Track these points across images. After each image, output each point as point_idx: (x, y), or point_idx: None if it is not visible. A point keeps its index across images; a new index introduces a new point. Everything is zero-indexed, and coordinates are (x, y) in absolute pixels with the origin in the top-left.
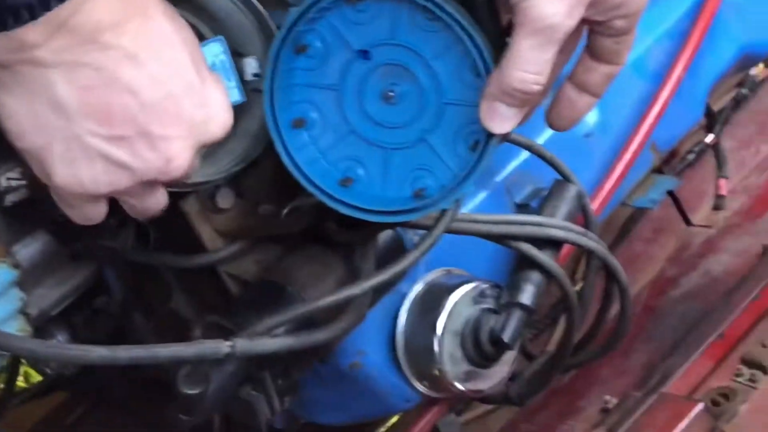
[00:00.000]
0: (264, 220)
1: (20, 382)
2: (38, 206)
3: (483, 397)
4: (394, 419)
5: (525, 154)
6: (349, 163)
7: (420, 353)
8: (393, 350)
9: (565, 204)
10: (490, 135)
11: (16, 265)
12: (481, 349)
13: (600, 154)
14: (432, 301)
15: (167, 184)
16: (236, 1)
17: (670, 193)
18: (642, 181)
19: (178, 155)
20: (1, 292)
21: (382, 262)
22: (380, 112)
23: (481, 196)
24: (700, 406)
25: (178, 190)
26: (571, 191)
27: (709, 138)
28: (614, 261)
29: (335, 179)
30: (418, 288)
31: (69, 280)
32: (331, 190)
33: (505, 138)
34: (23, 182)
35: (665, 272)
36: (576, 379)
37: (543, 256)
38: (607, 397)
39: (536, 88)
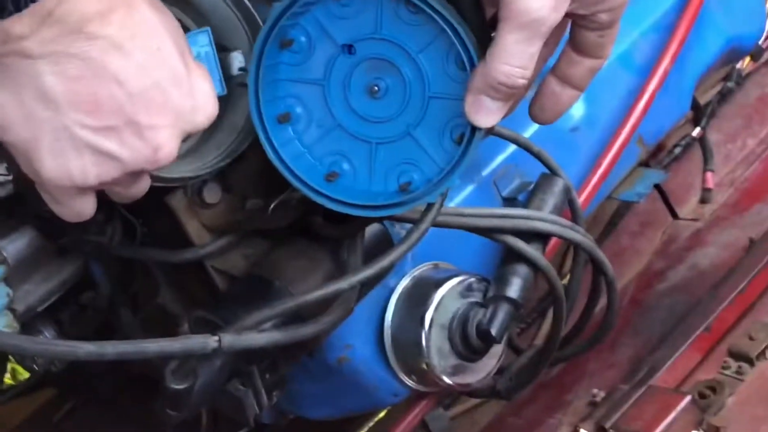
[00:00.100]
0: (251, 215)
1: (7, 379)
2: (24, 202)
3: (471, 391)
4: (382, 413)
5: (512, 148)
6: (334, 157)
7: (408, 347)
8: (381, 344)
9: (552, 197)
10: (475, 128)
11: (2, 261)
12: (469, 342)
13: (586, 148)
14: (419, 295)
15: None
16: None
17: (657, 187)
18: (629, 174)
19: (165, 144)
20: None
21: (370, 257)
22: (365, 107)
23: (468, 189)
24: (687, 399)
25: (165, 185)
26: (558, 185)
27: (696, 131)
28: (601, 254)
29: (321, 174)
30: (405, 282)
31: (56, 276)
32: (317, 185)
33: (490, 131)
34: (9, 177)
35: (652, 265)
36: (564, 373)
37: (530, 250)
38: (595, 391)
39: (521, 81)
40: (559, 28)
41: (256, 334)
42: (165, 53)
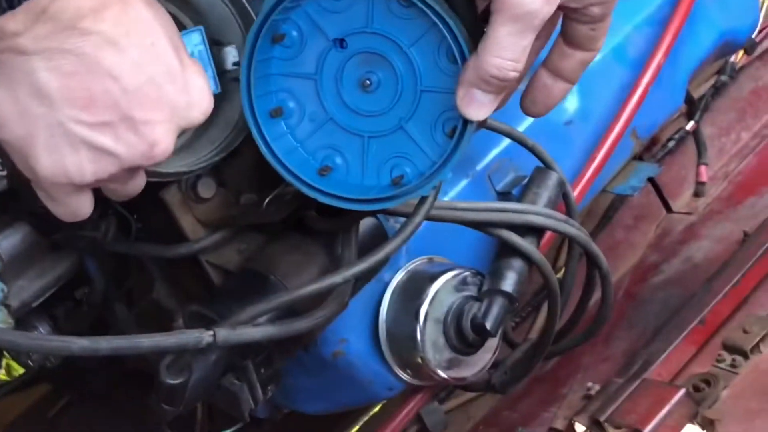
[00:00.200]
0: (245, 210)
1: (2, 375)
2: (18, 198)
3: (466, 385)
4: (377, 408)
5: (506, 142)
6: (327, 151)
7: (402, 341)
8: (375, 338)
9: (546, 191)
10: (466, 121)
11: None
12: (464, 336)
13: (580, 142)
14: (414, 289)
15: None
16: None
17: (651, 180)
18: (623, 168)
19: (161, 139)
20: None
21: (364, 251)
22: (357, 101)
23: (463, 183)
24: (681, 392)
25: (160, 180)
26: (553, 178)
27: (690, 125)
28: (595, 248)
29: (314, 168)
30: (400, 276)
31: (50, 272)
32: (310, 179)
33: (482, 124)
34: (3, 173)
35: (646, 259)
36: (558, 367)
37: (524, 244)
38: (590, 384)
39: (513, 74)
40: (551, 20)
41: (251, 329)
42: (159, 49)
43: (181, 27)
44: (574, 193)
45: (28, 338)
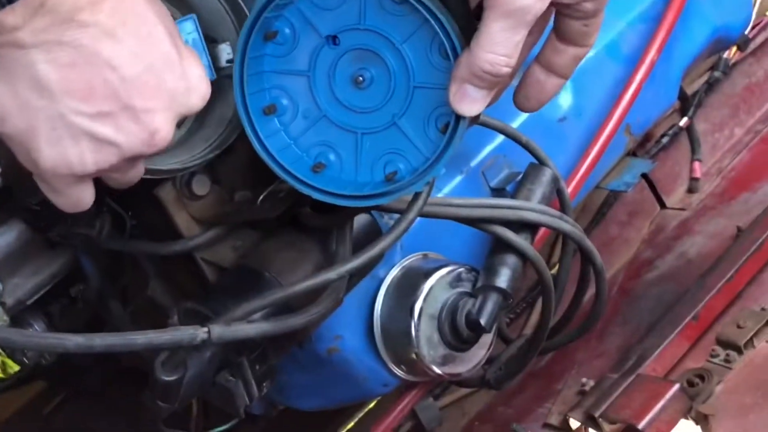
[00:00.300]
0: (240, 207)
1: None
2: (13, 195)
3: (460, 381)
4: (372, 404)
5: (500, 139)
6: (320, 148)
7: (397, 337)
8: (370, 335)
9: (540, 187)
10: (459, 117)
11: None
12: (458, 332)
13: (574, 138)
14: (409, 285)
15: (149, 157)
16: None
17: (645, 176)
18: (617, 164)
19: (161, 127)
20: None
21: (359, 247)
22: (351, 97)
23: (457, 180)
24: (675, 387)
25: (154, 177)
26: (546, 175)
27: (683, 121)
28: (589, 244)
29: (307, 165)
30: (394, 272)
31: (45, 269)
32: (304, 176)
33: (475, 120)
34: None
35: (640, 255)
36: (553, 362)
37: (519, 240)
38: (584, 380)
39: (506, 70)
40: (543, 16)
41: (246, 325)
42: (156, 38)
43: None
44: (568, 190)
45: (23, 335)
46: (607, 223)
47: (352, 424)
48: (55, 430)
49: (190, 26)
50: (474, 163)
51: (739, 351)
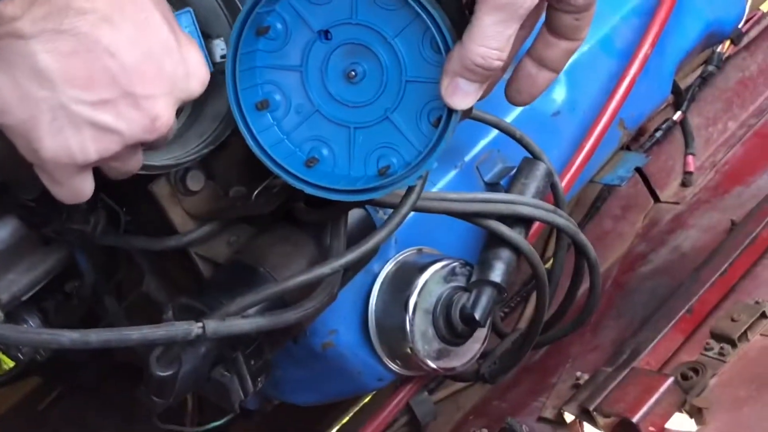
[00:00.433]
0: (234, 202)
1: None
2: (7, 191)
3: (455, 375)
4: (367, 398)
5: (494, 133)
6: (313, 143)
7: (392, 332)
8: (365, 329)
9: (534, 182)
10: (451, 111)
11: None
12: (453, 326)
13: (568, 133)
14: (403, 280)
15: (150, 145)
16: None
17: (639, 170)
18: (610, 158)
19: (162, 113)
20: None
21: (353, 242)
22: (343, 92)
23: (451, 174)
24: (670, 381)
25: (149, 173)
26: (541, 169)
27: (677, 115)
28: (583, 238)
29: (300, 160)
30: (389, 267)
31: (40, 265)
32: (297, 171)
33: (467, 114)
34: None
35: (634, 249)
36: (547, 356)
37: (513, 234)
38: (579, 373)
39: (498, 63)
40: (535, 10)
41: (240, 320)
42: (153, 24)
43: None
44: (562, 184)
45: (18, 332)
46: (601, 217)
47: (347, 418)
48: (50, 426)
49: (186, 19)
50: (468, 157)
51: (733, 344)
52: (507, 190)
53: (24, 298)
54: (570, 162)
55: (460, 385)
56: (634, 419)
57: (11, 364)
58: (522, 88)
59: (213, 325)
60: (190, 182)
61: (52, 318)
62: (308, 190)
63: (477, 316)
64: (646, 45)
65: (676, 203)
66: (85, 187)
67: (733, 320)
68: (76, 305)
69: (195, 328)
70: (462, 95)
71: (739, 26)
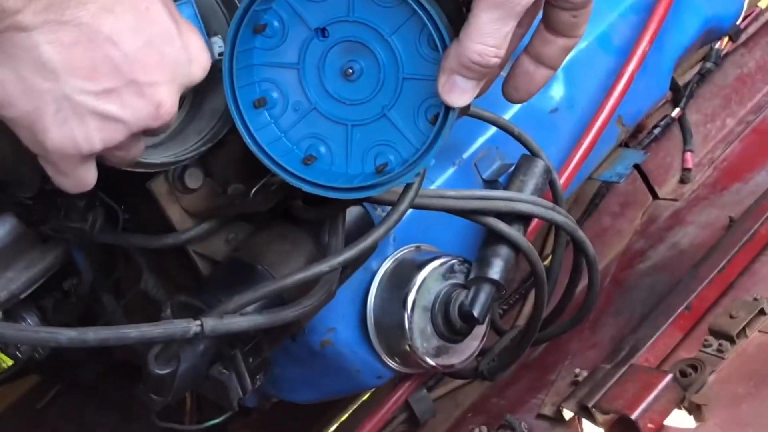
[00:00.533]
0: (232, 199)
1: None
2: (5, 189)
3: (454, 372)
4: (366, 396)
5: (492, 130)
6: (311, 141)
7: (390, 329)
8: (363, 327)
9: (532, 179)
10: (449, 108)
11: None
12: (452, 324)
13: (566, 130)
14: (402, 277)
15: (154, 132)
16: None
17: (637, 167)
18: (609, 155)
19: (166, 99)
20: None
21: (351, 240)
22: (340, 89)
23: (449, 172)
24: (668, 377)
25: (147, 171)
26: (539, 166)
27: (675, 112)
28: (582, 235)
29: (298, 158)
30: (387, 264)
31: (38, 263)
32: (294, 169)
33: (465, 111)
34: None
35: (633, 245)
36: (546, 353)
37: (511, 231)
38: (577, 370)
39: (495, 60)
40: (533, 8)
41: (239, 318)
42: (154, 12)
43: None
44: (561, 181)
45: (16, 330)
46: (600, 214)
47: (345, 416)
48: (48, 424)
49: (188, 11)
50: (466, 154)
51: (732, 341)
52: (505, 188)
53: (22, 296)
54: (568, 159)
55: (458, 382)
56: (633, 416)
57: (9, 362)
58: (519, 85)
59: (211, 323)
60: (188, 180)
61: (50, 316)
62: (306, 188)
63: (475, 313)
64: (644, 42)
65: (675, 200)
66: (89, 177)
67: (731, 317)
68: (74, 303)
69: (193, 325)
70: (459, 92)
71: (738, 23)
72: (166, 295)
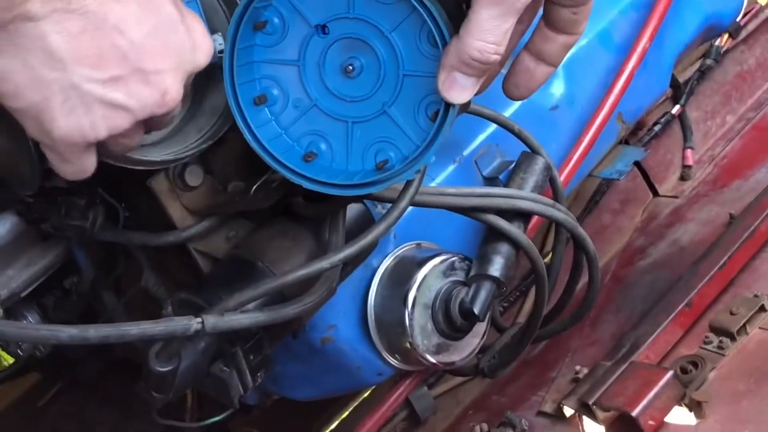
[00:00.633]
0: (233, 197)
1: None
2: (5, 187)
3: (454, 370)
4: (367, 393)
5: (493, 127)
6: (311, 138)
7: (391, 327)
8: (364, 324)
9: (533, 176)
10: (449, 105)
11: None
12: (452, 321)
13: (567, 127)
14: (402, 274)
15: (159, 120)
16: None
17: (637, 164)
18: (609, 152)
19: (171, 86)
20: None
21: (352, 236)
22: (341, 86)
23: (450, 169)
24: (669, 374)
25: (148, 168)
26: (539, 163)
27: (675, 109)
28: (582, 232)
29: (298, 155)
30: (388, 262)
31: (39, 261)
32: (295, 166)
33: (465, 108)
34: None
35: (633, 242)
36: (546, 351)
37: (512, 228)
38: (578, 368)
39: (495, 57)
40: (533, 4)
41: (239, 315)
42: (158, 0)
43: None
44: (561, 178)
45: (17, 328)
46: (600, 211)
47: (346, 413)
48: (49, 422)
49: (192, 6)
50: (467, 152)
51: (732, 338)
52: (506, 185)
53: (23, 294)
54: (568, 156)
55: (459, 379)
56: (634, 413)
57: (11, 360)
58: (520, 82)
59: (212, 321)
60: (189, 177)
61: (51, 314)
62: (306, 185)
63: (476, 310)
64: (644, 39)
65: (675, 197)
66: (91, 164)
67: (732, 314)
68: (75, 301)
69: (194, 323)
70: (459, 89)
71: (738, 20)
72: (166, 293)
